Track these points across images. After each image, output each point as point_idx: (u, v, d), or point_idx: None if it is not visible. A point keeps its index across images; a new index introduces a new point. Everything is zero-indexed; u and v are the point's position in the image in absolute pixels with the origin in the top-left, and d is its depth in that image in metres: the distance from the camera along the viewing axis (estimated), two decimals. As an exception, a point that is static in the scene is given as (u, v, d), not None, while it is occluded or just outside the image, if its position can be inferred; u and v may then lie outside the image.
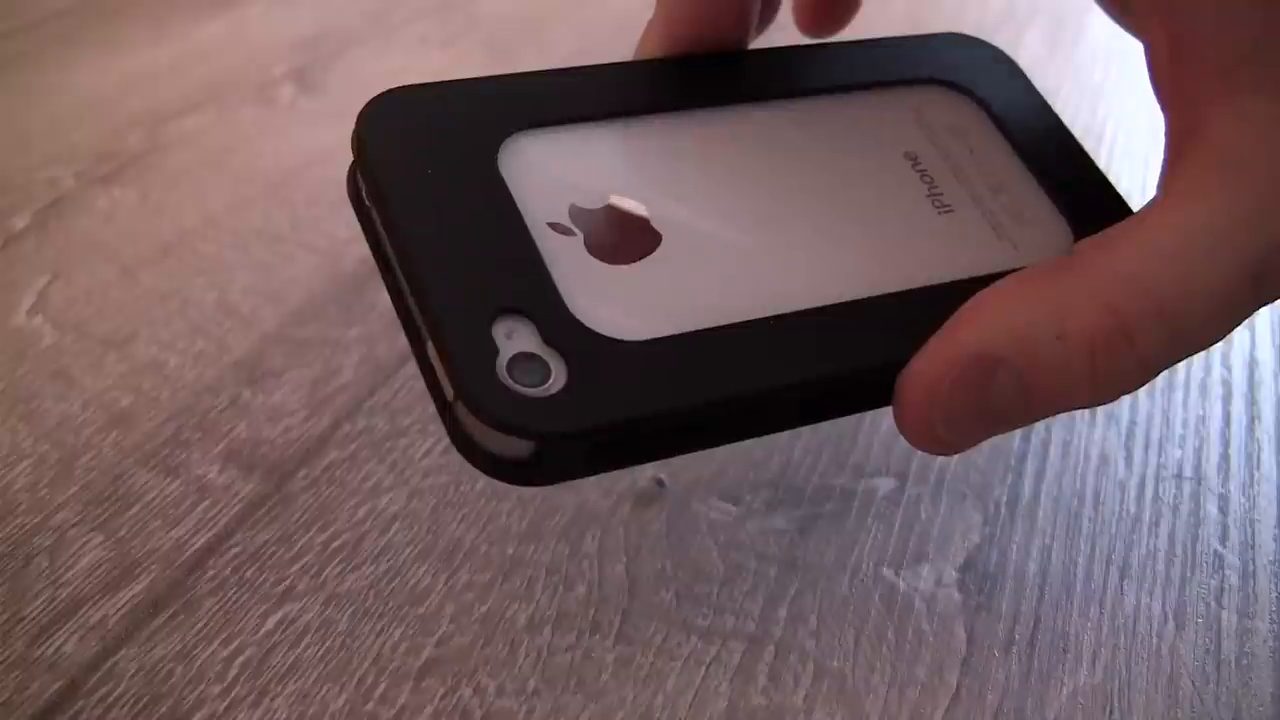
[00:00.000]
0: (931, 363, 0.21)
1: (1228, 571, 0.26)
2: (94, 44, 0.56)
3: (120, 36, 0.57)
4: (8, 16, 0.60)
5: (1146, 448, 0.29)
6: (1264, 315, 0.35)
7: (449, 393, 0.19)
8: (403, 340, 0.21)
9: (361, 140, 0.21)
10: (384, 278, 0.21)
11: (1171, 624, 0.25)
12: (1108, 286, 0.20)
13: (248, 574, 0.25)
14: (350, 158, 0.22)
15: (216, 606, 0.25)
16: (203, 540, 0.26)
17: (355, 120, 0.22)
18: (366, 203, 0.21)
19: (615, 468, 0.21)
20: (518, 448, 0.19)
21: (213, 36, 0.58)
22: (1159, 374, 0.21)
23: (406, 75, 0.53)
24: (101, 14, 0.60)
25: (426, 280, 0.20)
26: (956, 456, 0.28)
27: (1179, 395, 0.31)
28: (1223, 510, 0.27)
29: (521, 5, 0.62)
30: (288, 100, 0.50)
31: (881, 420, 0.30)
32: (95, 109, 0.49)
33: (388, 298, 0.21)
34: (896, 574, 0.26)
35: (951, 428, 0.21)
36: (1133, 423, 0.30)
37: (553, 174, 0.22)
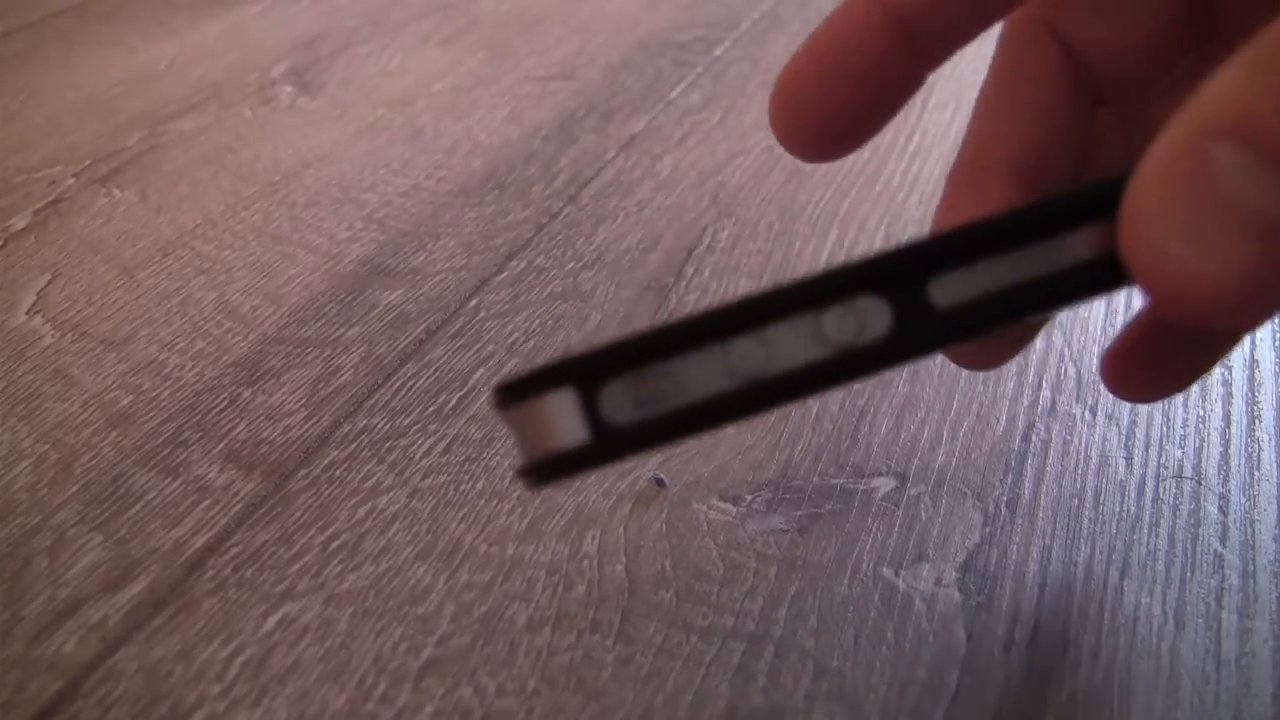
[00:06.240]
0: (1140, 177, 0.18)
1: (1228, 571, 0.26)
2: (94, 44, 0.56)
3: (120, 36, 0.57)
4: (8, 16, 0.60)
5: (1146, 448, 0.29)
6: (1264, 315, 0.35)
7: None
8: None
9: None
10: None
11: (1171, 624, 0.25)
12: None
13: (248, 574, 0.25)
14: None
15: (216, 606, 0.25)
16: (203, 540, 0.26)
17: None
18: None
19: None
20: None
21: (212, 36, 0.58)
22: None
23: (406, 75, 0.53)
24: (101, 14, 0.60)
25: None
26: (956, 456, 0.28)
27: (1179, 395, 0.31)
28: (1223, 510, 0.27)
29: (521, 5, 0.62)
30: (288, 100, 0.50)
31: (881, 420, 0.30)
32: (95, 109, 0.49)
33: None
34: (896, 574, 0.26)
35: (1188, 238, 0.18)
36: (1133, 423, 0.30)
37: None
